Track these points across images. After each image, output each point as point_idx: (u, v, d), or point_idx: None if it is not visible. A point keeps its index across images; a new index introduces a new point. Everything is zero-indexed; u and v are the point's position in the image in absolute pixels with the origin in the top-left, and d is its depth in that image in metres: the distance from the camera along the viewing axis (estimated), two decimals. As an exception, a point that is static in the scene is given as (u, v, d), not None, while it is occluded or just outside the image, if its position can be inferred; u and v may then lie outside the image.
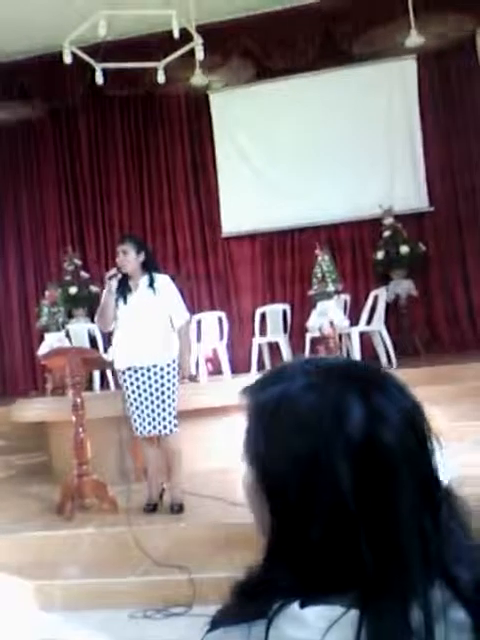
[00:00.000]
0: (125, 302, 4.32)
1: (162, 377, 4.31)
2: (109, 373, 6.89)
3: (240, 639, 0.71)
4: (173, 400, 4.34)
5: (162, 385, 4.31)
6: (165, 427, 4.35)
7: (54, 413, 5.64)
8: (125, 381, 4.38)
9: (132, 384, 4.34)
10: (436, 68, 8.20)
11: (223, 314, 7.31)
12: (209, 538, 4.07)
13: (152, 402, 4.33)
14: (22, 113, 8.66)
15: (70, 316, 8.06)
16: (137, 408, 4.36)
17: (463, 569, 0.72)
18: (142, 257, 4.33)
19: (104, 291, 4.34)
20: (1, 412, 6.40)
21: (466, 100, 8.09)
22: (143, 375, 4.31)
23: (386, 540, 0.71)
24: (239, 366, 7.44)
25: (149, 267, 4.36)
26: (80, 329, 7.79)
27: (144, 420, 4.37)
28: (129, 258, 4.28)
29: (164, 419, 4.34)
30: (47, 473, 5.80)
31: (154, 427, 4.36)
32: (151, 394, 4.32)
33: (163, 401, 4.32)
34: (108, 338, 7.63)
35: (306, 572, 0.72)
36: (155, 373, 4.30)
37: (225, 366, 6.98)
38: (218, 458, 4.98)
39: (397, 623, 0.68)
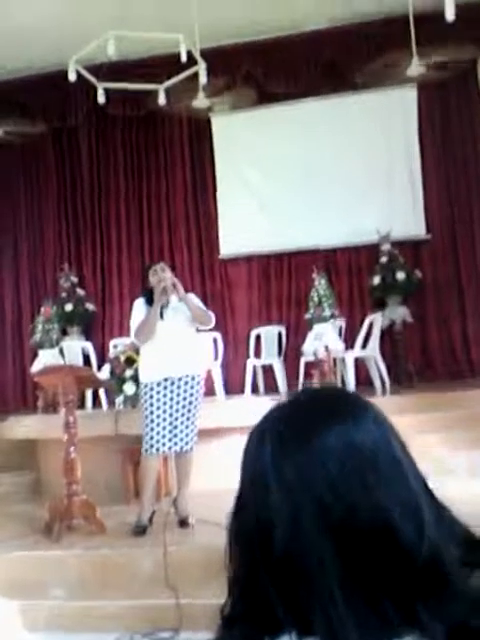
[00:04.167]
0: (161, 317, 4.47)
1: (193, 388, 4.48)
2: (102, 391, 6.85)
3: None
4: (198, 415, 4.52)
5: (192, 395, 4.47)
6: (187, 443, 4.48)
7: (45, 431, 5.59)
8: (153, 396, 4.43)
9: (165, 396, 4.44)
10: (436, 97, 8.27)
11: (218, 335, 7.29)
12: (198, 562, 4.02)
13: (182, 415, 4.45)
14: (24, 130, 8.69)
15: (64, 333, 8.02)
16: (162, 423, 4.42)
17: (435, 620, 0.70)
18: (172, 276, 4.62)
19: (154, 305, 4.44)
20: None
21: (465, 129, 8.15)
22: (179, 387, 4.45)
23: (296, 584, 0.71)
24: (233, 388, 7.42)
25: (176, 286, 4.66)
26: (74, 346, 7.76)
27: (165, 437, 4.42)
28: (167, 274, 4.54)
29: (187, 435, 4.47)
30: (35, 491, 5.74)
31: (176, 443, 4.45)
32: (183, 406, 4.45)
33: (193, 414, 4.48)
34: (102, 356, 7.66)
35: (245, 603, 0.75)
36: (186, 382, 4.46)
37: (219, 387, 6.95)
38: (211, 481, 4.93)
39: None
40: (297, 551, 0.71)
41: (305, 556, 0.71)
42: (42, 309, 7.51)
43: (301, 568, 0.71)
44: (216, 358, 7.14)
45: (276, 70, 8.27)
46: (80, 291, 8.44)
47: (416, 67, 6.98)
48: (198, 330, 4.72)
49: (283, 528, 0.72)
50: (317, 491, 0.72)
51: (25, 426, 5.95)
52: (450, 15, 6.51)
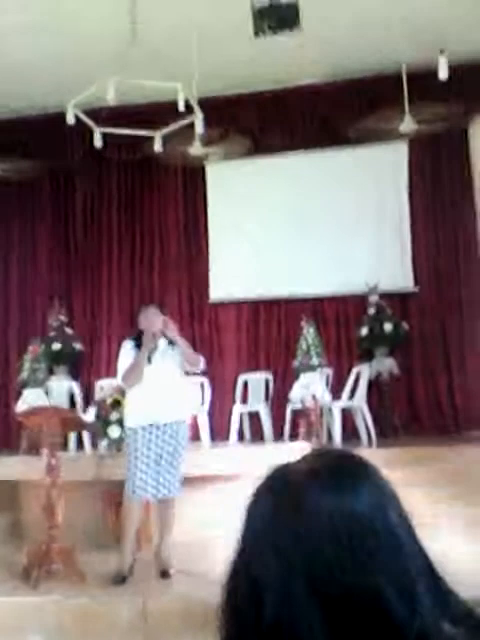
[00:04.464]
0: (149, 361, 4.47)
1: (178, 434, 4.45)
2: (85, 435, 6.79)
3: None
4: (183, 461, 4.49)
5: (177, 442, 4.45)
6: (170, 490, 4.43)
7: (26, 473, 5.52)
8: (138, 440, 4.40)
9: (150, 441, 4.40)
10: (427, 152, 8.44)
11: (205, 380, 7.28)
12: (178, 613, 3.96)
13: (166, 461, 4.41)
14: (21, 169, 8.77)
15: (51, 372, 7.98)
16: (146, 468, 4.38)
17: None
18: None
19: (142, 350, 4.46)
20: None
21: (455, 186, 8.31)
22: (165, 433, 4.41)
23: None
24: (219, 433, 7.39)
25: None
26: (60, 386, 7.72)
27: (149, 482, 4.38)
28: (158, 319, 4.53)
29: (171, 481, 4.42)
30: (14, 534, 5.63)
31: (159, 489, 4.41)
32: (168, 452, 4.41)
33: (177, 460, 4.44)
34: (87, 398, 7.62)
35: None
36: (172, 428, 4.43)
37: (205, 434, 6.92)
38: (193, 530, 4.88)
39: None
40: (287, 617, 0.71)
41: (295, 623, 0.70)
42: (29, 348, 7.47)
43: (291, 635, 0.71)
44: (203, 404, 7.12)
45: (271, 123, 8.43)
46: (69, 330, 8.41)
47: (408, 124, 7.16)
48: (187, 373, 4.73)
49: (274, 593, 0.72)
50: (308, 558, 0.72)
51: (6, 467, 5.87)
52: (443, 74, 6.74)
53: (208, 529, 4.98)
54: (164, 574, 4.42)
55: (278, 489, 0.78)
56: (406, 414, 7.85)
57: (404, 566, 0.73)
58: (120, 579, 4.33)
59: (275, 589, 0.72)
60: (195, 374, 5.10)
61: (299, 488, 0.76)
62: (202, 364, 4.72)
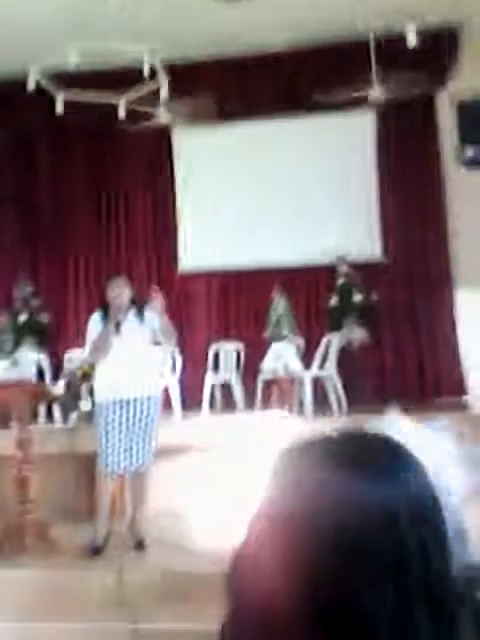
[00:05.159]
0: (117, 331, 4.42)
1: (149, 408, 4.41)
2: (56, 406, 6.72)
3: None
4: (154, 434, 4.45)
5: (148, 416, 4.41)
6: (142, 462, 4.41)
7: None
8: (108, 415, 4.36)
9: (121, 416, 4.36)
10: (395, 120, 8.38)
11: (176, 350, 7.23)
12: (153, 585, 3.97)
13: (137, 434, 4.38)
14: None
15: (18, 344, 7.85)
16: (117, 442, 4.35)
17: None
18: (130, 292, 4.55)
19: (108, 322, 4.42)
20: None
21: (422, 154, 8.28)
22: (135, 408, 4.37)
23: None
24: (190, 403, 7.37)
25: (135, 301, 4.57)
26: (28, 358, 7.61)
27: (120, 455, 4.36)
28: (126, 292, 4.47)
29: (143, 454, 4.40)
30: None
31: (131, 462, 4.39)
32: (139, 427, 4.38)
33: (149, 433, 4.41)
34: (57, 369, 7.53)
35: None
36: (142, 403, 4.38)
37: (177, 404, 6.90)
38: (167, 500, 4.87)
39: None
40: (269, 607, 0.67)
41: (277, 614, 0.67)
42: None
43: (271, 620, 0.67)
44: (174, 373, 7.08)
45: (237, 88, 8.31)
46: (35, 302, 8.27)
47: (376, 92, 7.11)
48: (157, 343, 4.68)
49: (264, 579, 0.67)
50: (298, 555, 0.67)
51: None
52: (411, 41, 6.70)
53: (181, 499, 5.00)
54: (139, 545, 4.43)
55: (288, 468, 0.71)
56: (375, 383, 7.88)
57: (395, 586, 0.66)
58: (94, 551, 4.33)
59: (264, 575, 0.68)
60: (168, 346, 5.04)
61: (306, 470, 0.69)
62: (174, 338, 4.68)
